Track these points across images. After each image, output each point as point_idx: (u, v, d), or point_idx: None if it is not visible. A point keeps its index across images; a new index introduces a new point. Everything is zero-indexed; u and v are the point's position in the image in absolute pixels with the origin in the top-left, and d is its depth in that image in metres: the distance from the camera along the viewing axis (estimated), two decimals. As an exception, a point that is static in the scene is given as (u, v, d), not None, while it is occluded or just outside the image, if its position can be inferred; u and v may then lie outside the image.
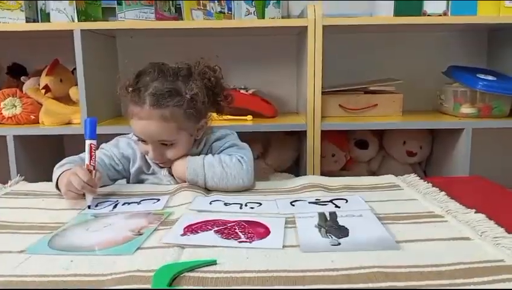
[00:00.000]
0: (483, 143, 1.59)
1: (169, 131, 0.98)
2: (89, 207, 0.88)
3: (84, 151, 0.99)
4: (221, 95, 1.08)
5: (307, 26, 1.38)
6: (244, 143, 1.09)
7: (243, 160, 1.00)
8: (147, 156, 1.05)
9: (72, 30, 1.37)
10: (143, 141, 1.01)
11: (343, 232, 0.73)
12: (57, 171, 0.98)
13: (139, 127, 0.99)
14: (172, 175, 1.05)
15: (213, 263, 0.61)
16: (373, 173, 1.71)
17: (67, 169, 0.95)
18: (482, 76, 1.47)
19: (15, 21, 1.43)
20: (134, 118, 0.99)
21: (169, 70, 1.00)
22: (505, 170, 1.68)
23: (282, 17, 1.55)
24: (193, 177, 0.99)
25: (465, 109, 1.49)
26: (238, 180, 0.98)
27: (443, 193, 0.93)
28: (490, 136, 1.67)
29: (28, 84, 1.57)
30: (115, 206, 0.89)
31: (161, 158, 1.02)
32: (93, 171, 0.91)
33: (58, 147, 1.73)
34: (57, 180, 0.96)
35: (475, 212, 0.79)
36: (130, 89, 0.99)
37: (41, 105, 1.52)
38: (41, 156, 1.60)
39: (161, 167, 1.06)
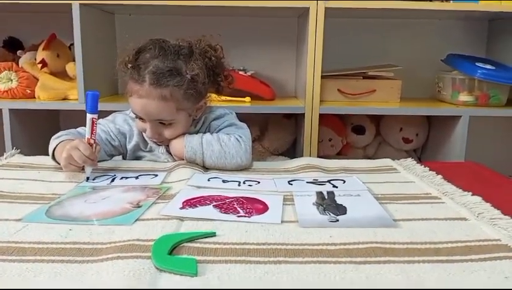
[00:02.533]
0: (478, 131, 1.60)
1: (168, 111, 0.97)
2: (87, 179, 0.88)
3: (82, 125, 1.00)
4: (222, 75, 1.07)
5: (308, 8, 1.37)
6: (243, 123, 1.08)
7: (241, 139, 1.00)
8: (144, 134, 1.05)
9: (70, 4, 1.35)
10: (141, 118, 1.00)
11: (341, 210, 0.73)
12: (53, 142, 0.97)
13: (138, 105, 0.97)
14: (170, 153, 1.05)
15: (212, 234, 0.61)
16: (369, 159, 1.71)
17: (64, 140, 0.95)
18: (481, 65, 1.47)
19: (12, -7, 1.41)
20: (134, 95, 0.97)
21: (170, 48, 0.97)
22: (499, 159, 1.69)
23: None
24: (191, 155, 0.98)
25: (463, 97, 1.50)
26: (236, 159, 0.98)
27: (440, 176, 0.93)
28: (485, 124, 1.68)
29: (24, 59, 1.55)
30: (112, 180, 0.88)
31: (158, 137, 1.01)
32: (94, 145, 0.90)
33: (54, 122, 1.72)
34: (53, 151, 0.95)
35: (472, 195, 0.80)
36: (130, 65, 0.97)
37: (38, 80, 1.50)
38: (36, 130, 1.58)
39: (158, 145, 1.06)
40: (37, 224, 0.66)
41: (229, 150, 0.98)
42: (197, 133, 1.05)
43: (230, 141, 0.99)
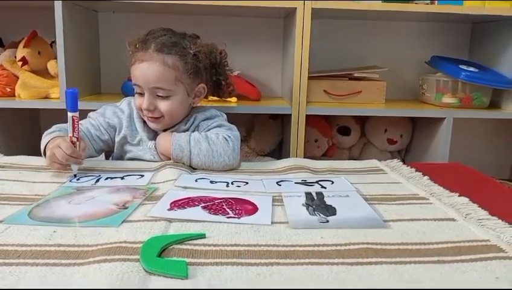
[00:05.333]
0: (462, 133, 1.62)
1: (168, 78, 0.99)
2: (75, 176, 0.88)
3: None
4: (223, 76, 1.13)
5: (295, 8, 1.36)
6: (232, 125, 1.08)
7: (229, 139, 0.99)
8: (140, 113, 1.04)
9: (52, 1, 1.32)
10: (139, 93, 1.01)
11: (330, 211, 0.73)
12: (45, 138, 0.97)
13: (139, 70, 0.99)
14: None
15: (202, 236, 0.60)
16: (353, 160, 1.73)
17: (55, 136, 0.93)
18: (464, 67, 1.49)
19: (-9, -11, 1.37)
20: (136, 62, 1.01)
21: (178, 32, 1.05)
22: (482, 160, 1.71)
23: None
24: (178, 153, 0.97)
25: (447, 99, 1.51)
26: (223, 158, 0.97)
27: (426, 177, 0.94)
28: (469, 126, 1.71)
29: (4, 56, 1.51)
30: (97, 181, 0.86)
31: (153, 109, 1.01)
32: (77, 143, 0.89)
33: (34, 122, 1.67)
34: (45, 147, 0.94)
35: (458, 196, 0.81)
36: (139, 43, 1.01)
37: (18, 78, 1.46)
38: (16, 130, 1.55)
39: (149, 139, 1.05)
40: (20, 226, 0.63)
41: (217, 148, 0.97)
42: (186, 131, 1.04)
43: (219, 139, 0.98)
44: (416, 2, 1.42)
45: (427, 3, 1.42)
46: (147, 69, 0.99)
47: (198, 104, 1.13)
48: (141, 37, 1.02)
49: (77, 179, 0.87)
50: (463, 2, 1.41)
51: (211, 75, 1.10)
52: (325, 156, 1.68)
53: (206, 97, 1.14)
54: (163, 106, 1.01)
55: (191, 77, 1.02)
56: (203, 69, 1.05)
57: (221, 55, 1.11)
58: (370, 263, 0.55)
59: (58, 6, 1.32)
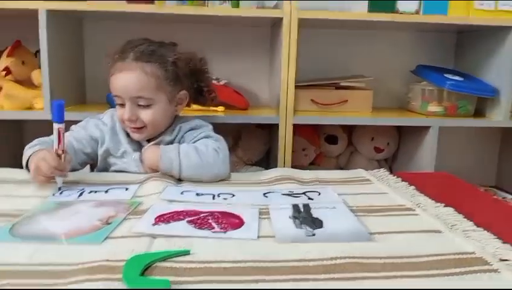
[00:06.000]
0: (448, 141, 1.63)
1: (148, 86, 0.98)
2: (59, 189, 0.87)
3: (48, 135, 0.97)
4: (205, 83, 1.13)
5: (282, 18, 1.37)
6: (219, 135, 1.07)
7: (219, 150, 0.99)
8: (123, 125, 1.03)
9: (37, 10, 1.30)
10: (120, 104, 1.00)
11: (317, 223, 0.72)
12: (27, 152, 0.95)
13: (118, 80, 0.99)
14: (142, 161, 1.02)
15: (186, 253, 0.59)
16: (341, 169, 1.73)
17: (37, 150, 0.92)
18: (449, 76, 1.50)
19: (-26, -2, 1.35)
20: (115, 73, 1.00)
21: (156, 41, 1.06)
22: (468, 167, 1.73)
23: (257, 8, 1.53)
24: (167, 166, 0.96)
25: (432, 107, 1.53)
26: (214, 169, 0.96)
27: (412, 187, 0.94)
28: (454, 134, 1.72)
29: (-13, 66, 1.48)
30: (80, 194, 0.85)
31: (135, 119, 1.00)
32: (63, 155, 0.88)
33: (17, 133, 1.64)
34: (27, 161, 0.93)
35: (444, 206, 0.81)
36: (117, 54, 1.01)
37: (1, 88, 1.43)
38: (-1, 141, 1.52)
39: (134, 150, 1.04)
40: (1, 243, 0.62)
41: (207, 159, 0.96)
42: (171, 143, 1.04)
43: (208, 151, 0.98)
44: (401, 12, 1.43)
45: (412, 14, 1.43)
46: (126, 79, 0.98)
47: (183, 114, 1.12)
48: (119, 47, 1.01)
49: (60, 193, 0.86)
50: (447, 11, 1.42)
51: (191, 82, 1.10)
52: (313, 164, 1.68)
53: (188, 105, 1.13)
54: (145, 115, 1.00)
55: (171, 84, 1.02)
56: (183, 76, 1.05)
57: (201, 62, 1.11)
58: (356, 278, 0.54)
59: (42, 15, 1.30)
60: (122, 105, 1.00)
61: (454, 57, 1.76)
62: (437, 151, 1.48)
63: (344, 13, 1.41)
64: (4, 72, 1.42)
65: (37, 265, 0.56)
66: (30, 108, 1.42)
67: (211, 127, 1.10)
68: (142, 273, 0.53)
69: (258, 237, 0.66)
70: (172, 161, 0.95)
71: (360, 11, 1.43)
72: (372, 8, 1.43)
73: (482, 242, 0.65)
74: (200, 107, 1.38)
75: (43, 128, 1.09)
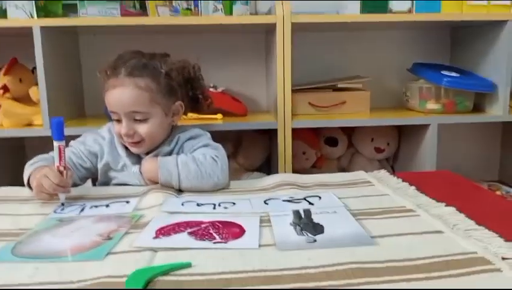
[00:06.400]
0: (448, 138, 1.63)
1: (143, 100, 0.98)
2: (62, 205, 0.87)
3: (49, 151, 0.98)
4: (200, 91, 1.13)
5: (275, 24, 1.37)
6: (218, 143, 1.07)
7: (217, 158, 0.99)
8: (121, 140, 1.03)
9: (31, 27, 1.31)
10: (117, 120, 1.01)
11: (318, 229, 0.72)
12: (27, 169, 0.96)
13: (113, 96, 0.99)
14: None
15: (188, 265, 0.59)
16: (343, 170, 1.73)
17: (38, 167, 0.93)
18: (446, 72, 1.50)
19: (-31, 17, 1.36)
20: (109, 89, 1.00)
21: (147, 53, 1.06)
22: (470, 163, 1.73)
23: (250, 14, 1.54)
24: (166, 177, 0.96)
25: (431, 105, 1.53)
26: (213, 178, 0.96)
27: (413, 187, 0.94)
28: (454, 131, 1.72)
29: (-15, 85, 1.49)
30: (82, 210, 0.85)
31: (132, 134, 1.00)
32: (64, 172, 0.88)
33: (18, 150, 1.65)
34: (28, 178, 0.94)
35: (445, 206, 0.81)
36: (109, 70, 1.01)
37: (0, 106, 1.44)
38: (0, 159, 1.52)
39: (133, 163, 1.04)
40: (3, 264, 0.62)
41: (206, 169, 0.96)
42: (170, 153, 1.04)
43: (206, 160, 0.98)
44: (393, 11, 1.43)
45: (405, 13, 1.43)
46: (120, 95, 0.98)
47: (180, 123, 1.13)
48: (110, 63, 1.01)
49: (62, 209, 0.86)
50: (440, 9, 1.42)
51: (186, 91, 1.10)
52: (314, 167, 1.68)
53: (185, 114, 1.14)
54: (142, 129, 1.00)
55: (166, 96, 1.02)
56: (177, 87, 1.05)
57: (194, 69, 1.11)
58: (359, 284, 0.54)
59: (36, 32, 1.31)
60: (119, 120, 1.00)
61: (450, 53, 1.76)
62: (439, 148, 1.47)
63: (337, 16, 1.41)
64: (2, 91, 1.42)
65: (39, 284, 0.56)
66: (29, 125, 1.43)
67: (209, 135, 1.10)
68: (145, 288, 0.53)
69: (259, 245, 0.66)
70: (171, 173, 0.96)
71: (352, 12, 1.43)
72: (364, 9, 1.43)
73: (484, 241, 0.65)
74: (198, 116, 1.39)
75: (43, 144, 1.09)
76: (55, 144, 0.88)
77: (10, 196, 0.95)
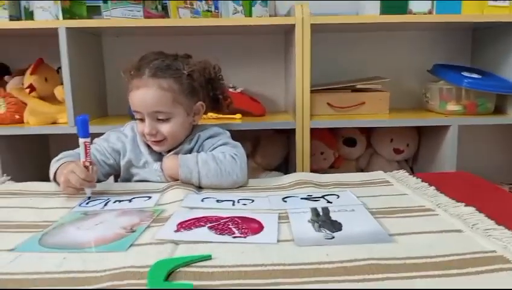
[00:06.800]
0: (469, 140, 1.61)
1: (165, 101, 1.01)
2: (88, 198, 0.91)
3: (73, 148, 1.03)
4: (220, 91, 1.15)
5: (294, 25, 1.38)
6: (237, 142, 1.09)
7: (236, 157, 1.00)
8: (143, 139, 1.06)
9: (56, 28, 1.35)
10: (140, 119, 1.03)
11: (336, 226, 0.73)
12: (54, 165, 1.00)
13: (137, 96, 1.02)
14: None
15: (208, 258, 0.61)
16: (361, 171, 1.73)
17: (64, 163, 0.97)
18: (466, 74, 1.49)
19: (-2, 19, 1.41)
20: (133, 90, 1.02)
21: (169, 54, 1.07)
22: (491, 166, 1.71)
23: (270, 16, 1.55)
24: (186, 174, 0.98)
25: (451, 106, 1.51)
26: (232, 176, 0.98)
27: (432, 187, 0.94)
28: (475, 133, 1.70)
29: (12, 84, 1.54)
30: (105, 204, 0.88)
31: (155, 133, 1.02)
32: (90, 167, 0.92)
33: (43, 147, 1.70)
34: (55, 173, 0.97)
35: (465, 206, 0.80)
36: (132, 70, 1.03)
37: (26, 104, 1.49)
38: (26, 156, 1.57)
39: (154, 161, 1.06)
40: (31, 253, 0.65)
41: (225, 167, 0.98)
42: (190, 151, 1.06)
43: (226, 158, 0.99)
44: (413, 12, 1.43)
45: (425, 14, 1.43)
46: (144, 95, 1.00)
47: (201, 123, 1.15)
48: (134, 63, 1.04)
49: (86, 203, 0.89)
50: (461, 10, 1.41)
51: (207, 91, 1.12)
52: (332, 167, 1.69)
53: (205, 113, 1.15)
54: (165, 128, 1.02)
55: (188, 96, 1.04)
56: (199, 87, 1.07)
57: (215, 70, 1.13)
58: (377, 279, 0.55)
59: (62, 32, 1.35)
60: (142, 120, 1.03)
61: (471, 54, 1.74)
62: (459, 150, 1.46)
63: (356, 17, 1.41)
64: (28, 90, 1.47)
65: (65, 272, 0.58)
66: (54, 123, 1.47)
67: (228, 134, 1.12)
68: (166, 279, 0.55)
69: (278, 241, 0.67)
70: (192, 170, 0.98)
71: (372, 13, 1.43)
72: (384, 11, 1.43)
73: (503, 241, 0.64)
74: (218, 115, 1.41)
75: (67, 141, 1.13)
76: (81, 140, 0.91)
77: (36, 190, 0.99)
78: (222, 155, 1.00)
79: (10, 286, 0.55)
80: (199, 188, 0.99)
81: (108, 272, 0.57)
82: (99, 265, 0.60)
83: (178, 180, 1.00)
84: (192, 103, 1.07)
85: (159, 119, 1.02)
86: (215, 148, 1.05)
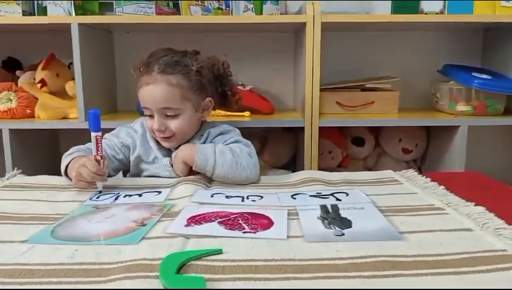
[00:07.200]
0: (478, 140, 1.60)
1: (174, 97, 1.01)
2: (100, 192, 0.92)
3: (82, 143, 1.04)
4: (229, 88, 1.15)
5: (305, 23, 1.38)
6: (248, 140, 1.09)
7: (251, 154, 1.02)
8: (153, 134, 1.07)
9: (69, 24, 1.36)
10: (149, 115, 1.04)
11: (346, 223, 0.73)
12: (65, 159, 1.01)
13: (146, 92, 1.02)
14: (173, 166, 1.05)
15: (219, 251, 0.61)
16: (369, 170, 1.72)
17: (75, 157, 0.98)
18: (477, 74, 1.48)
19: (11, 14, 1.42)
20: (143, 86, 1.03)
21: (178, 51, 1.08)
22: (500, 167, 1.70)
23: (280, 14, 1.55)
24: (202, 161, 0.98)
25: (461, 107, 1.51)
26: (246, 171, 0.99)
27: (442, 186, 0.94)
28: (484, 133, 1.69)
29: (24, 79, 1.56)
30: (116, 198, 0.88)
31: (164, 129, 1.03)
32: (101, 161, 0.93)
33: (54, 142, 1.72)
34: (66, 168, 0.99)
35: (475, 205, 0.80)
36: (142, 67, 1.04)
37: (37, 99, 1.50)
38: (36, 150, 1.58)
39: (164, 156, 1.07)
40: (43, 245, 0.65)
41: (241, 161, 0.99)
42: None
43: (242, 153, 1.01)
44: (425, 12, 1.43)
45: (437, 14, 1.42)
46: (153, 92, 1.01)
47: (209, 120, 1.15)
48: (144, 60, 1.04)
49: (97, 197, 0.89)
50: (473, 10, 1.41)
51: (216, 87, 1.13)
52: (340, 167, 1.68)
53: (214, 109, 1.16)
54: (174, 124, 1.03)
55: (196, 93, 1.05)
56: (207, 84, 1.07)
57: (223, 66, 1.13)
58: (386, 276, 0.55)
59: (74, 28, 1.36)
60: (151, 116, 1.04)
61: (482, 55, 1.73)
62: (468, 151, 1.45)
63: (367, 16, 1.41)
64: (40, 84, 1.48)
65: (77, 264, 0.59)
66: (65, 118, 1.48)
67: (238, 131, 1.12)
68: (178, 271, 0.55)
69: (288, 237, 0.68)
70: (208, 158, 0.98)
71: (383, 12, 1.43)
72: (395, 10, 1.43)
73: (514, 240, 0.64)
74: (226, 113, 1.42)
75: (77, 136, 1.14)
76: (93, 134, 0.92)
77: (47, 184, 1.00)
78: (239, 149, 1.01)
79: (23, 277, 0.55)
80: (209, 182, 1.00)
81: (120, 264, 0.58)
82: (112, 257, 0.60)
83: (188, 174, 1.00)
84: (201, 99, 1.07)
85: (168, 116, 1.03)
86: (228, 144, 1.06)
